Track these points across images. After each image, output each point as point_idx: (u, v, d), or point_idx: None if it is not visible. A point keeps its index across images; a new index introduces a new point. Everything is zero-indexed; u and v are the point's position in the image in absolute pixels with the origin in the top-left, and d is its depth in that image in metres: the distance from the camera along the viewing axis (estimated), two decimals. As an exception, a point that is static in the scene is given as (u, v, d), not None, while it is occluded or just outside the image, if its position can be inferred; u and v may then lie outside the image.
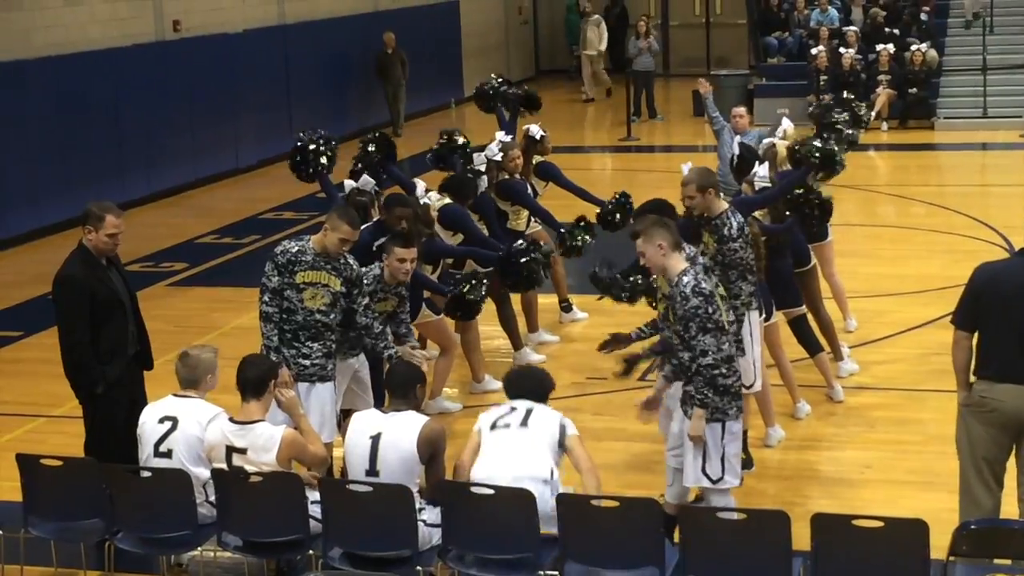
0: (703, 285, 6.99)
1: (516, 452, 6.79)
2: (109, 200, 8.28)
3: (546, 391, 7.19)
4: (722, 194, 8.41)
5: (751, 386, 8.47)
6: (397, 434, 6.81)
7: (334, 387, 8.06)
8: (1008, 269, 6.99)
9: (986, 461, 6.88)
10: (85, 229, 7.83)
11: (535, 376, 7.29)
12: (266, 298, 7.90)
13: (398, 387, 7.03)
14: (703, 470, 7.21)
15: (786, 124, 10.71)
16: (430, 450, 6.81)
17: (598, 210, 11.27)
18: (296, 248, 7.94)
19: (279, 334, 7.89)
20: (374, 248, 8.84)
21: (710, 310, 6.97)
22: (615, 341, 8.18)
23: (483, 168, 10.72)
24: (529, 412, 6.94)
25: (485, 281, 9.63)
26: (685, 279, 7.00)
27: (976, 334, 6.90)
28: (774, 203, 9.21)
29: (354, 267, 8.07)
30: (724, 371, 7.06)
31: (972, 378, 6.94)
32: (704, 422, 7.09)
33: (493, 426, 6.94)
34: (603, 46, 28.30)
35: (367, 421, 6.95)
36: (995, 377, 6.82)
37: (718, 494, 7.26)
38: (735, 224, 8.01)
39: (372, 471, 6.77)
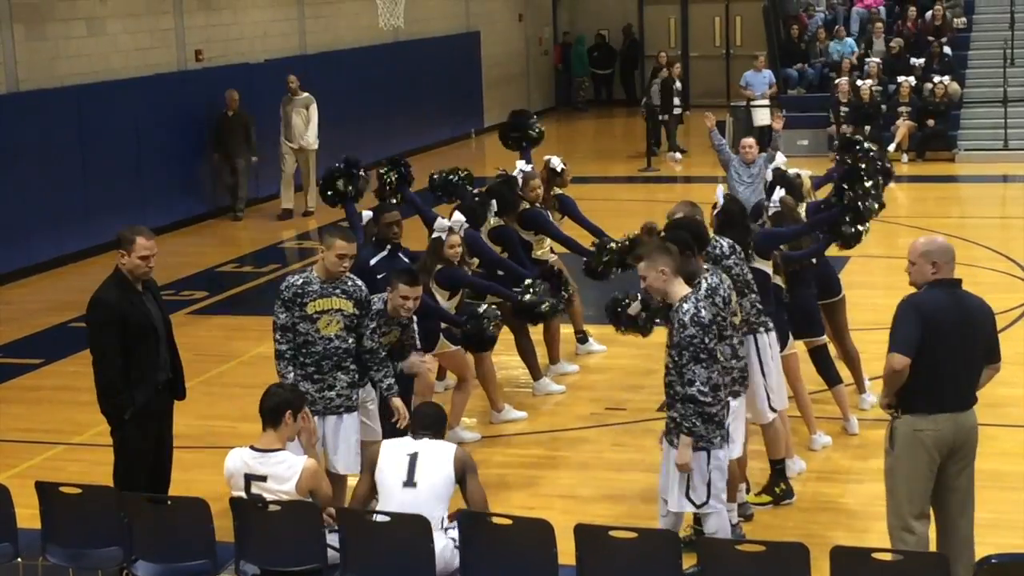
0: (702, 314, 7.06)
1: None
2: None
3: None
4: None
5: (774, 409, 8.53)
6: (433, 454, 7.07)
7: (358, 417, 8.05)
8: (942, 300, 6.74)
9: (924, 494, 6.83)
10: (119, 253, 7.80)
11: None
12: (277, 336, 7.91)
13: (429, 426, 7.25)
14: (687, 495, 7.25)
15: (780, 159, 10.77)
16: (463, 469, 7.06)
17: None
18: (301, 280, 7.93)
19: (301, 370, 7.90)
20: (370, 264, 8.90)
21: (706, 340, 7.04)
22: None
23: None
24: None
25: (499, 315, 9.62)
26: (685, 306, 7.07)
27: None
28: (801, 238, 9.27)
29: (363, 289, 8.08)
30: (710, 400, 7.10)
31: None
32: (691, 450, 7.13)
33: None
34: (312, 138, 19.62)
35: (402, 444, 7.17)
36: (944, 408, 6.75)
37: (714, 516, 7.26)
38: (724, 245, 8.18)
39: (410, 482, 6.95)
